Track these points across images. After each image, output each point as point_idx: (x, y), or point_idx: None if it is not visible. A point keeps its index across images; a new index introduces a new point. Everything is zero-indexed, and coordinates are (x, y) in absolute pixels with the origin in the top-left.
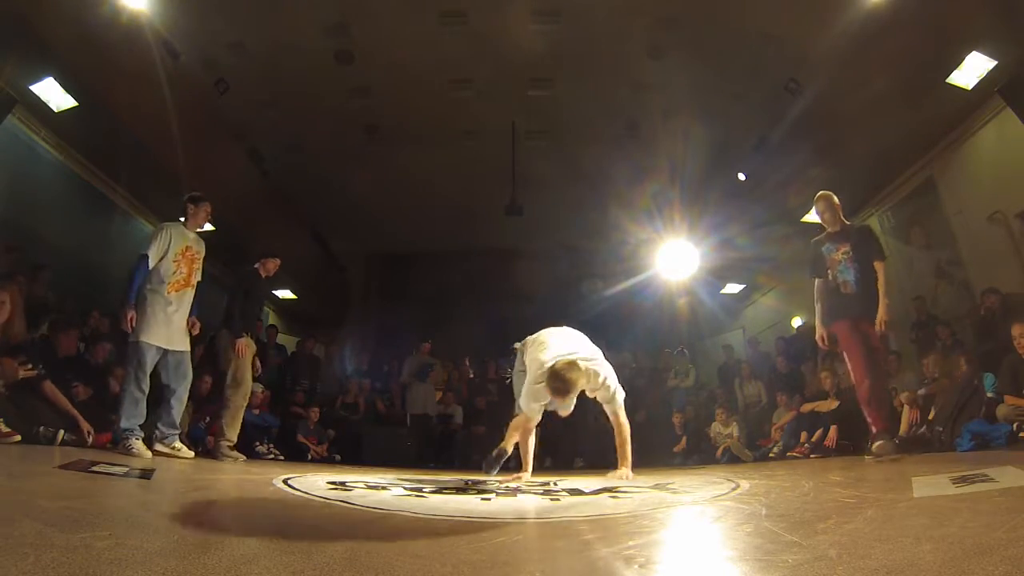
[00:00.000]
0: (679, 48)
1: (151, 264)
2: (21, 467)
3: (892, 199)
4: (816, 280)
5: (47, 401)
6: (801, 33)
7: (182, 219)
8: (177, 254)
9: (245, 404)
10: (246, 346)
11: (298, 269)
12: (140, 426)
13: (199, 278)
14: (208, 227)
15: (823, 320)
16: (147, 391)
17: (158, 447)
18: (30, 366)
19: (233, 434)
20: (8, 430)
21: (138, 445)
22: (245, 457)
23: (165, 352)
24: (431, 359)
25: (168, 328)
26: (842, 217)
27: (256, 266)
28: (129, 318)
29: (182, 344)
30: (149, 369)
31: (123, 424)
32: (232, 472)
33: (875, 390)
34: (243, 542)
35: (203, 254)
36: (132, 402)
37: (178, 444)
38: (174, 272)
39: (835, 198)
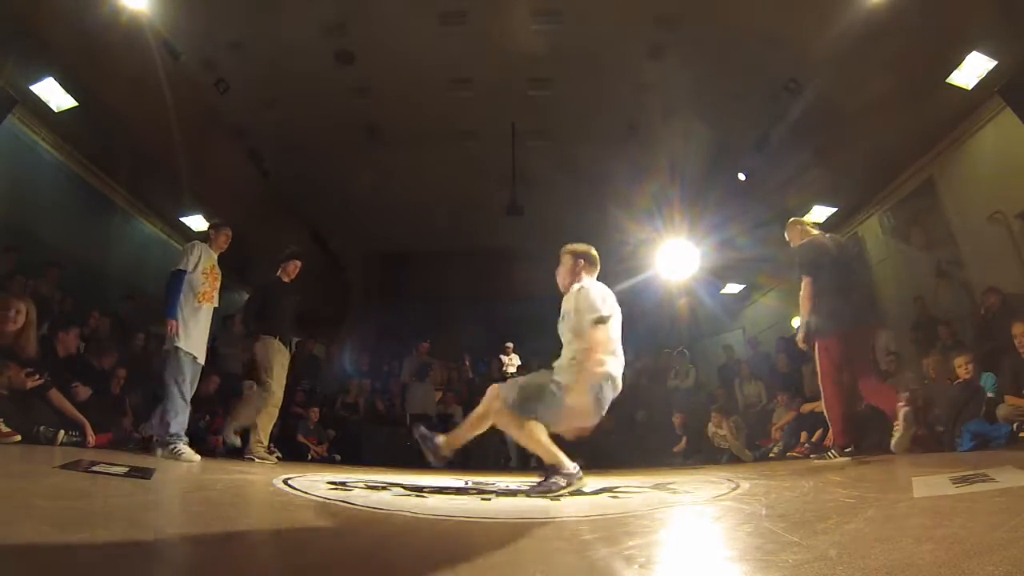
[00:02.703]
0: (679, 48)
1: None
2: (21, 467)
3: (892, 199)
4: None
5: (53, 407)
6: (801, 33)
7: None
8: (206, 269)
9: (270, 403)
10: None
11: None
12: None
13: (217, 304)
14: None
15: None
16: (189, 397)
17: (172, 458)
18: (37, 376)
19: (264, 435)
20: (8, 430)
21: (187, 450)
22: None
23: (194, 360)
24: (430, 359)
25: (199, 338)
26: (804, 236)
27: (278, 272)
28: (172, 328)
29: (203, 356)
30: (189, 376)
31: (172, 429)
32: (232, 472)
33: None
34: (243, 542)
35: (220, 279)
36: (179, 409)
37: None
38: (203, 284)
39: (798, 223)
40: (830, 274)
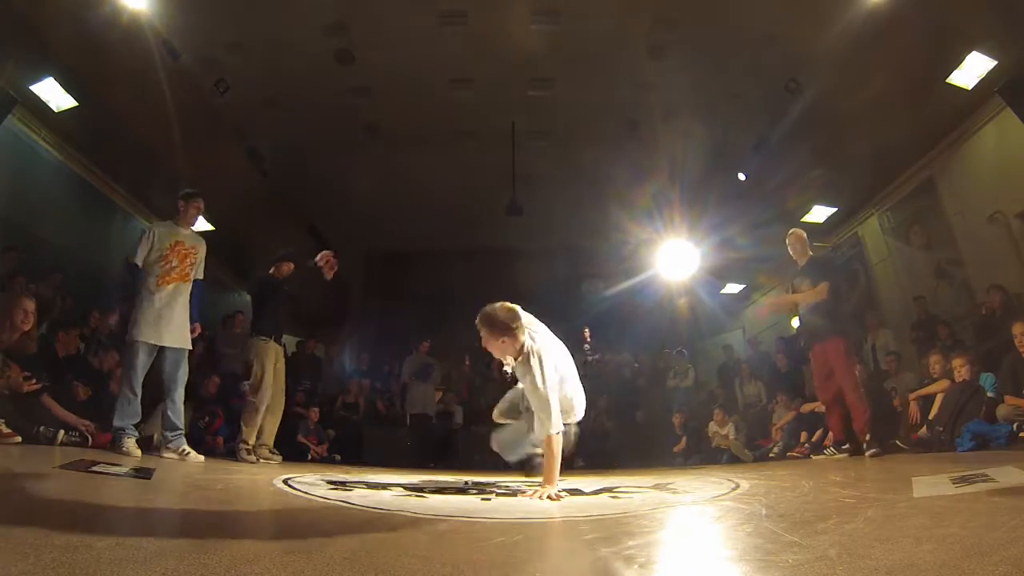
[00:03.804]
0: (679, 48)
1: (140, 265)
2: (21, 467)
3: (892, 199)
4: None
5: (47, 410)
6: (801, 34)
7: (172, 220)
8: (165, 249)
9: (264, 407)
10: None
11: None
12: (135, 425)
13: (200, 276)
14: (208, 227)
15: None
16: (139, 391)
17: (166, 453)
18: (35, 381)
19: (249, 435)
20: (9, 431)
21: (129, 444)
22: (279, 458)
23: (162, 350)
24: (430, 359)
25: (159, 325)
26: (808, 251)
27: (271, 271)
28: (113, 321)
29: (179, 342)
30: (142, 369)
31: (116, 423)
32: (232, 472)
33: (832, 406)
34: (243, 542)
35: (200, 251)
36: (125, 402)
37: (186, 447)
38: (163, 266)
39: (802, 234)
40: (840, 283)
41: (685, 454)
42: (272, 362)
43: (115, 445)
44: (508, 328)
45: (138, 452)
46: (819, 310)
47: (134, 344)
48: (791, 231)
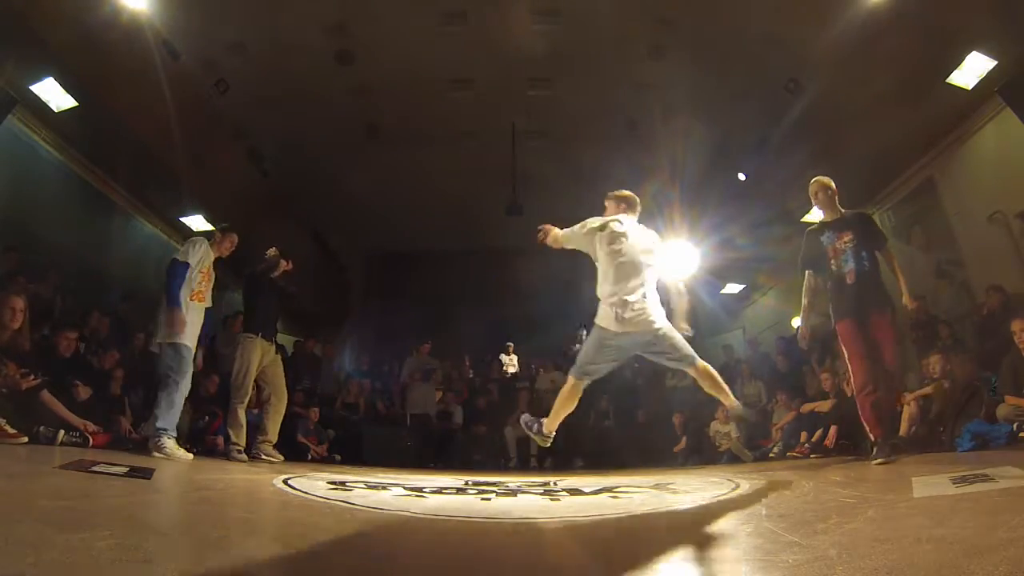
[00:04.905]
0: (679, 48)
1: (192, 265)
2: (22, 467)
3: (892, 199)
4: (806, 274)
5: (46, 409)
6: (801, 33)
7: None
8: (204, 268)
9: (242, 405)
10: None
11: (297, 269)
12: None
13: (209, 303)
14: (208, 227)
15: (830, 315)
16: (187, 392)
17: (155, 452)
18: (32, 376)
19: (237, 436)
20: (14, 432)
21: (171, 445)
22: (280, 458)
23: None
24: (431, 360)
25: (194, 334)
26: (839, 205)
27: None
28: (180, 322)
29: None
30: (190, 370)
31: (160, 424)
32: (232, 472)
33: (873, 395)
34: (243, 542)
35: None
36: (173, 403)
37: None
38: (199, 283)
39: (831, 183)
40: None
41: (685, 454)
42: (256, 359)
43: (155, 445)
44: (618, 200)
45: (179, 453)
46: (872, 275)
47: (184, 347)
48: (816, 178)
